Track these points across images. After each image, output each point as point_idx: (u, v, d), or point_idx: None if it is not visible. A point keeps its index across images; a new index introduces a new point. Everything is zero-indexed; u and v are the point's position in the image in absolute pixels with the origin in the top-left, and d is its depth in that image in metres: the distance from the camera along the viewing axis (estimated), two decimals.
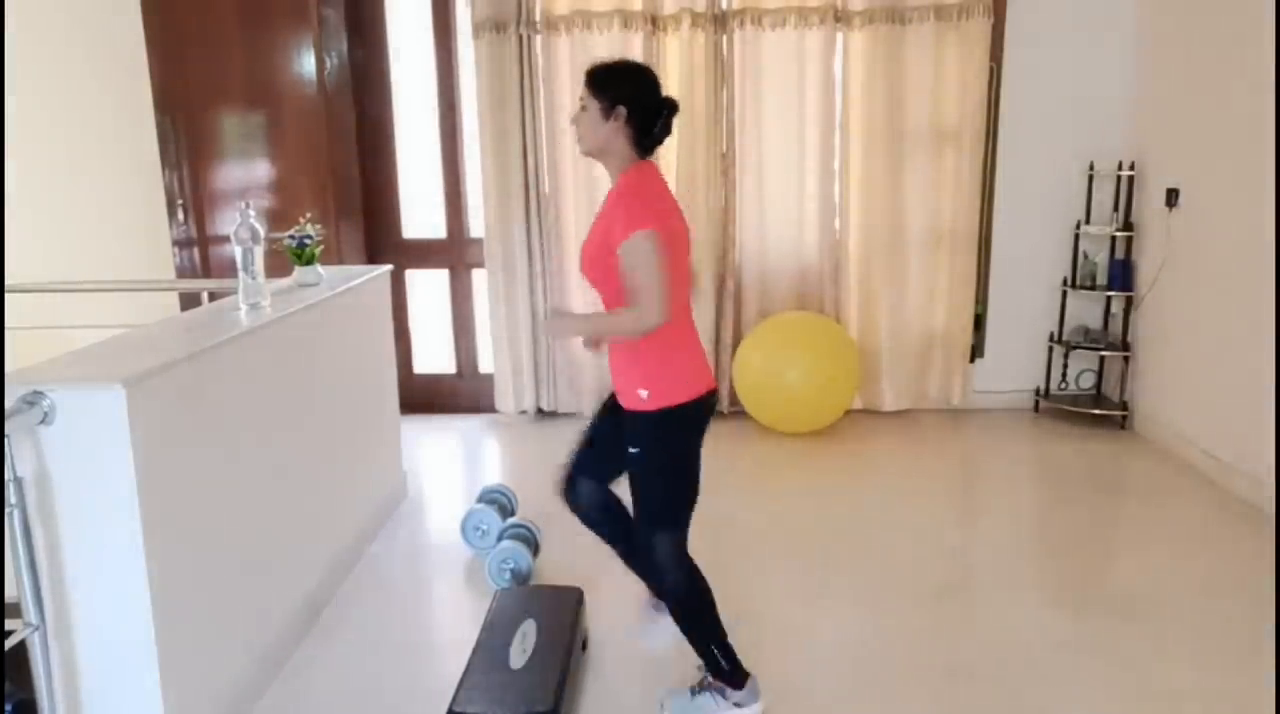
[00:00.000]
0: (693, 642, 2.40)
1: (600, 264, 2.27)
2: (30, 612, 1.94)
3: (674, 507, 2.34)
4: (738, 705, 2.40)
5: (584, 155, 2.34)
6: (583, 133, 2.29)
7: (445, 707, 2.22)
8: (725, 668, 2.39)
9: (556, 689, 2.26)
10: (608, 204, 2.30)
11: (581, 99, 2.28)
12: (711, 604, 2.39)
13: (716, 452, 4.42)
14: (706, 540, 3.45)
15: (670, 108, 2.29)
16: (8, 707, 2.13)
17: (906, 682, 2.60)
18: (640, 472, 2.32)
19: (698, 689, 2.43)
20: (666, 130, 2.31)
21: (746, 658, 2.45)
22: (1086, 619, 2.90)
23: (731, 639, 2.40)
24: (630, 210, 2.20)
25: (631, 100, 2.24)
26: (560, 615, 2.59)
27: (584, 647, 2.70)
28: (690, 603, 2.38)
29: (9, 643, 1.89)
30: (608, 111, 2.23)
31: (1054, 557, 3.40)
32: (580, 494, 2.52)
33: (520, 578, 3.07)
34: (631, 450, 2.31)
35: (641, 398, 2.26)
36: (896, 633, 2.86)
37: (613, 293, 2.28)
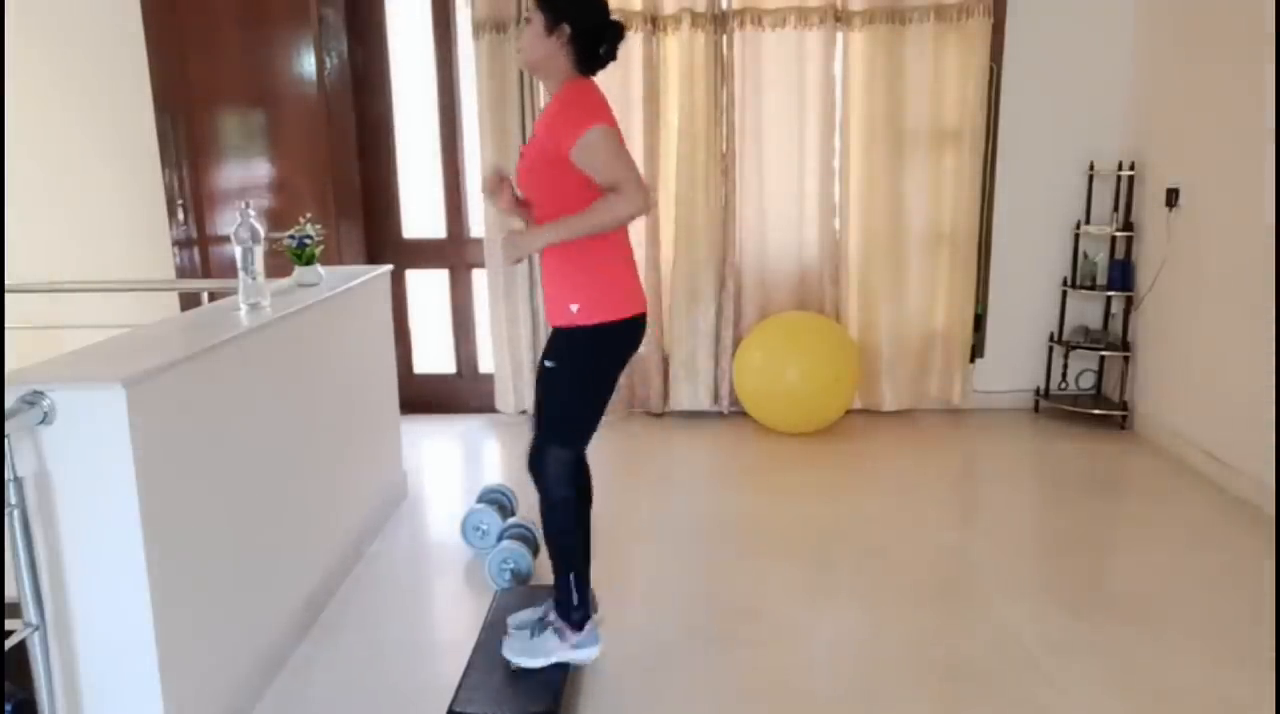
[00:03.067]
0: (554, 562, 2.41)
1: (542, 176, 2.24)
2: (30, 611, 1.94)
3: (577, 423, 2.36)
4: (575, 648, 2.41)
5: (522, 68, 2.27)
6: (523, 45, 2.29)
7: (445, 706, 2.22)
8: (574, 603, 2.40)
9: (556, 689, 2.26)
10: (547, 114, 2.28)
11: (527, 13, 2.25)
12: (586, 533, 2.40)
13: (717, 451, 4.49)
14: (707, 539, 3.49)
15: (616, 31, 2.28)
16: (8, 706, 2.13)
17: (906, 681, 2.60)
18: (552, 383, 2.33)
19: (537, 630, 2.44)
20: (611, 55, 2.31)
21: (746, 655, 2.47)
22: (1086, 618, 2.90)
23: (595, 586, 2.45)
24: (580, 111, 2.20)
25: (575, 20, 2.23)
26: None
27: None
28: (564, 523, 2.38)
29: (9, 643, 1.89)
30: (551, 28, 2.23)
31: (1054, 556, 3.40)
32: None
33: (520, 578, 3.07)
34: (547, 364, 2.33)
35: (571, 312, 2.27)
36: (896, 632, 2.86)
37: (553, 206, 2.25)
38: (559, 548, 2.41)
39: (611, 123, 2.22)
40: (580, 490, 2.40)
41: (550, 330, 2.38)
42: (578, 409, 2.36)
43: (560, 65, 2.27)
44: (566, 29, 2.23)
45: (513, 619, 2.54)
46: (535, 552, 3.22)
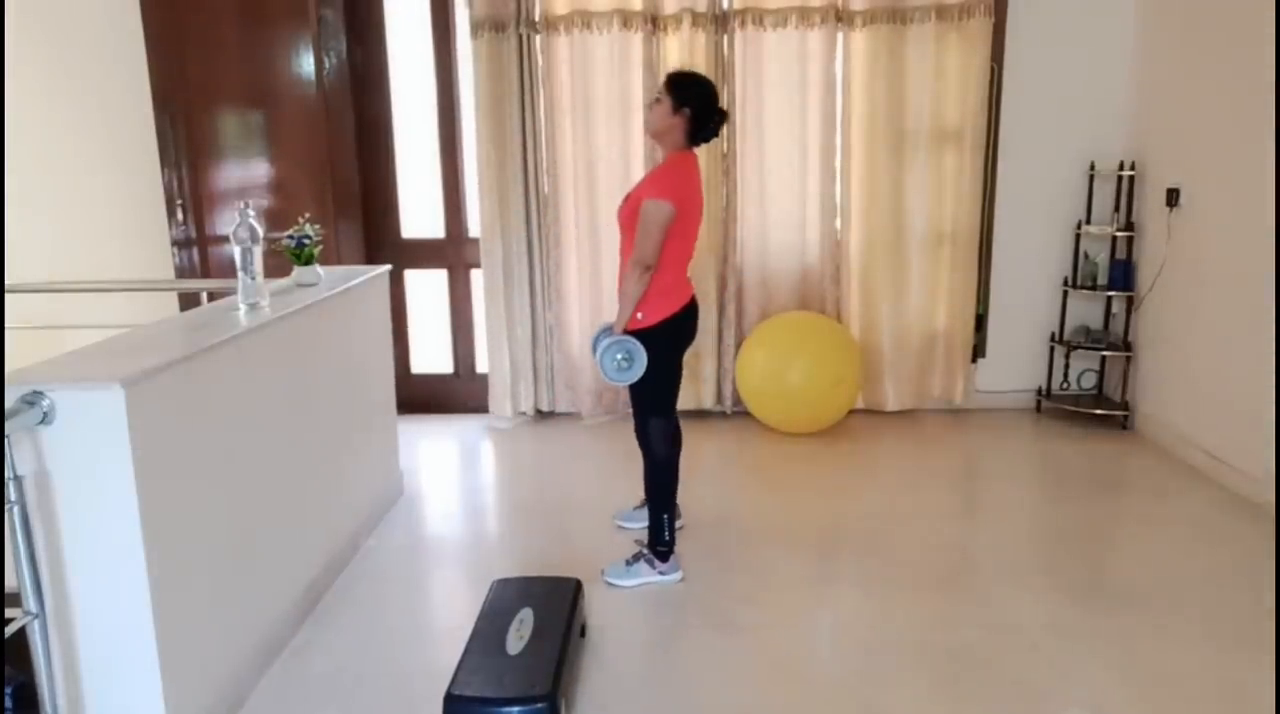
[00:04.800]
0: (652, 506, 3.15)
1: (633, 215, 2.97)
2: (30, 601, 1.96)
3: (665, 396, 3.12)
4: (662, 575, 3.11)
5: (647, 134, 3.25)
6: (652, 119, 3.04)
7: (443, 689, 2.23)
8: (665, 537, 3.11)
9: (554, 673, 2.26)
10: (652, 172, 3.11)
11: (658, 94, 3.02)
12: (676, 484, 3.16)
13: (720, 451, 4.49)
14: (709, 533, 3.49)
15: (722, 117, 3.04)
16: (8, 690, 2.15)
17: (906, 664, 2.62)
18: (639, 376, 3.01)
19: (632, 560, 3.14)
20: (715, 133, 3.05)
21: (745, 639, 2.62)
22: (1087, 607, 2.92)
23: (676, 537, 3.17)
24: (661, 182, 2.96)
25: (696, 106, 2.97)
26: (558, 604, 2.59)
27: (582, 633, 2.71)
28: (665, 475, 3.14)
29: (9, 630, 1.91)
30: (677, 108, 2.97)
31: (1055, 550, 3.40)
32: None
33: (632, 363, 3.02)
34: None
35: (638, 318, 3.00)
36: (897, 618, 2.88)
37: (633, 237, 2.97)
38: (659, 494, 3.13)
39: (681, 202, 2.92)
40: (676, 451, 3.13)
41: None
42: (663, 386, 3.09)
43: (677, 138, 3.01)
44: (687, 111, 2.97)
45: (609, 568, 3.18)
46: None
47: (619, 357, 3.00)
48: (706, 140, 3.04)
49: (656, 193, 2.90)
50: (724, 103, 4.64)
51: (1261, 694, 2.46)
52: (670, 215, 2.89)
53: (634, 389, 3.08)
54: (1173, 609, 2.91)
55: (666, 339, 3.04)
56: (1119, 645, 2.70)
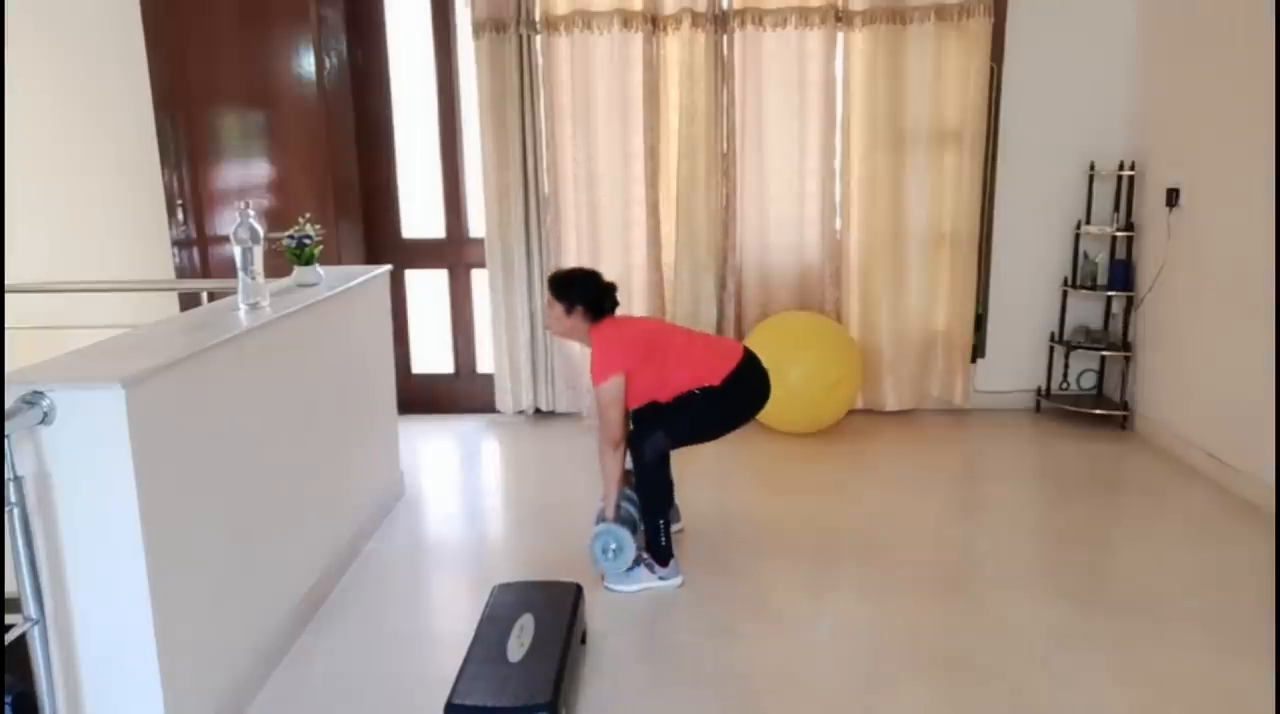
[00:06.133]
0: (643, 513, 3.14)
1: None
2: (30, 606, 1.95)
3: (683, 435, 3.17)
4: (662, 579, 3.11)
5: (560, 337, 3.29)
6: (551, 323, 3.21)
7: (443, 697, 2.22)
8: (661, 542, 3.11)
9: (555, 681, 2.26)
10: (591, 354, 3.10)
11: (548, 299, 3.16)
12: (670, 492, 3.18)
13: (719, 451, 4.47)
14: (708, 535, 3.48)
15: (611, 289, 3.17)
16: (8, 698, 2.14)
17: (907, 669, 2.61)
18: (688, 407, 3.13)
19: (632, 564, 3.11)
20: (616, 303, 3.18)
21: (746, 646, 2.60)
22: (1087, 613, 2.91)
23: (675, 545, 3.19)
24: (598, 364, 3.04)
25: (582, 298, 3.11)
26: (558, 609, 2.59)
27: (583, 640, 2.70)
28: (658, 476, 3.11)
29: (9, 637, 1.90)
30: (569, 311, 3.12)
31: (1055, 554, 3.40)
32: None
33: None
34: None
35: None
36: (898, 623, 2.87)
37: (633, 394, 3.10)
38: (652, 497, 3.12)
39: (628, 361, 3.04)
40: (669, 465, 3.15)
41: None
42: (695, 429, 3.20)
43: (584, 327, 3.14)
44: (580, 308, 3.11)
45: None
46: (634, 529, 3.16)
47: (611, 546, 3.09)
48: (610, 312, 3.16)
49: (598, 377, 3.03)
50: (724, 102, 4.67)
51: (1262, 701, 2.45)
52: (620, 387, 3.01)
53: (665, 408, 3.14)
54: (1173, 613, 2.90)
55: (726, 397, 3.13)
56: (1119, 651, 2.69)
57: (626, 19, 4.53)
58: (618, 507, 3.13)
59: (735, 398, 3.18)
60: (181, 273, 4.71)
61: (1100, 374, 4.97)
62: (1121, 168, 4.63)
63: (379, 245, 5.04)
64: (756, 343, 4.62)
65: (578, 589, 2.71)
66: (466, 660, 2.37)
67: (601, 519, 3.16)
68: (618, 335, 3.12)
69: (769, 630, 2.85)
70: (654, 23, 4.57)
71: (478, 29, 4.56)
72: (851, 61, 4.63)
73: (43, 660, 1.98)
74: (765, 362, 4.75)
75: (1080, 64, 4.67)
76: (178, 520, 2.18)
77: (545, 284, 4.80)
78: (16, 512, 1.89)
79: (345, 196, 4.81)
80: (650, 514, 3.12)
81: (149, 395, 2.05)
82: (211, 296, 3.78)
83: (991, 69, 4.63)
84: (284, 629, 2.75)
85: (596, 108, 4.62)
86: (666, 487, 3.15)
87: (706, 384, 3.11)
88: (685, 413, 3.13)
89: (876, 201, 4.71)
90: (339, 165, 4.74)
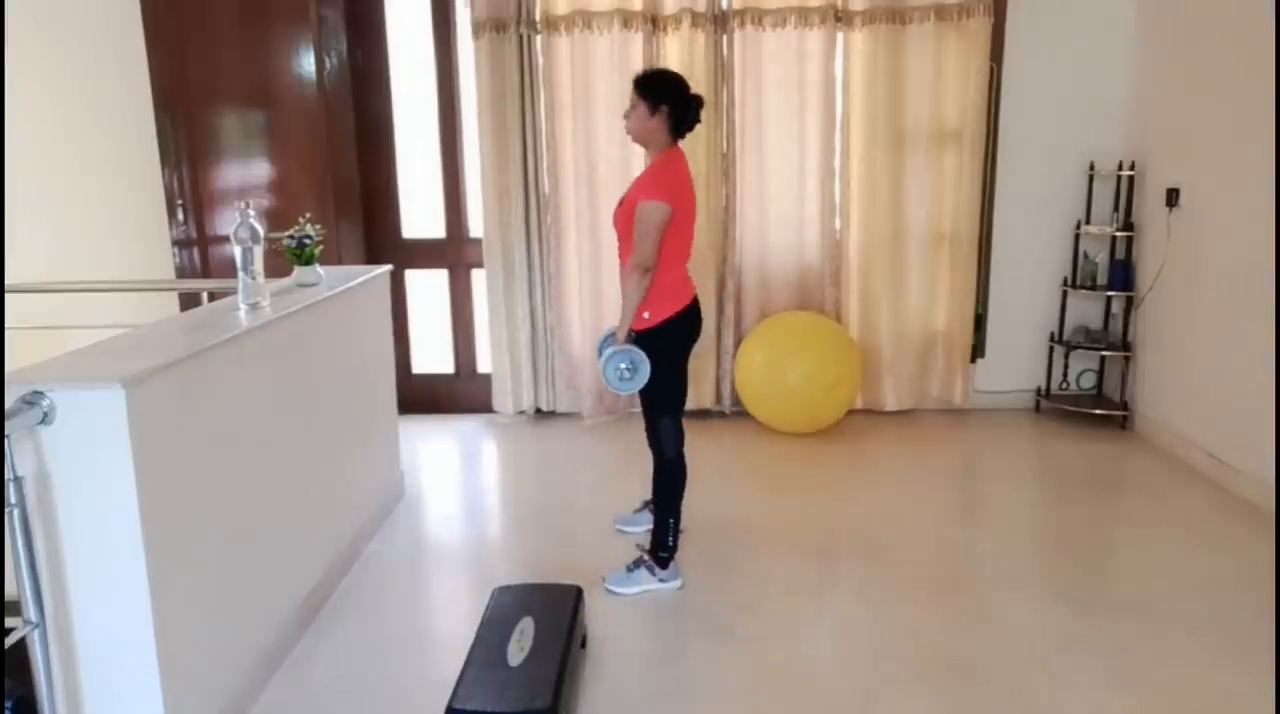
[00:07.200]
0: (658, 509, 3.13)
1: (628, 218, 2.98)
2: (30, 609, 1.94)
3: (674, 395, 3.12)
4: (662, 581, 3.11)
5: (633, 141, 3.07)
6: (631, 125, 3.03)
7: (444, 702, 2.22)
8: (668, 543, 3.11)
9: (555, 685, 2.25)
10: (643, 176, 3.06)
11: (631, 99, 3.01)
12: (683, 488, 3.15)
13: (719, 451, 4.49)
14: (708, 536, 3.48)
15: (699, 103, 3.02)
16: (8, 703, 2.13)
17: (907, 674, 2.61)
18: (650, 375, 3.02)
19: (633, 566, 3.13)
20: (697, 120, 3.04)
21: (746, 649, 2.60)
22: (1087, 616, 2.90)
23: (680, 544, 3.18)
24: (654, 182, 2.95)
25: (672, 102, 2.96)
26: (558, 613, 2.58)
27: (583, 644, 2.70)
28: (674, 477, 3.13)
29: (9, 640, 1.89)
30: (653, 110, 2.97)
31: (1055, 555, 3.40)
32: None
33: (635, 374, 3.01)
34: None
35: (645, 318, 3.01)
36: (898, 627, 2.87)
37: (630, 240, 2.97)
38: (667, 499, 3.12)
39: (676, 201, 2.92)
40: (683, 454, 3.13)
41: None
42: (671, 385, 3.10)
43: (661, 138, 3.00)
44: (665, 108, 2.96)
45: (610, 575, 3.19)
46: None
47: (622, 366, 3.00)
48: (690, 129, 3.04)
49: (651, 194, 2.91)
50: (723, 102, 4.67)
51: (1262, 703, 2.45)
52: (666, 215, 2.89)
53: (644, 390, 3.08)
54: (1172, 616, 2.90)
55: (673, 337, 3.06)
56: (1118, 653, 2.69)
57: (626, 19, 4.53)
58: (630, 334, 3.03)
59: (691, 324, 3.12)
60: (181, 273, 4.71)
61: (1100, 374, 4.97)
62: (1121, 168, 4.63)
63: (379, 245, 5.04)
64: (756, 343, 4.64)
65: (578, 592, 2.70)
66: (467, 664, 2.36)
67: (610, 343, 3.05)
68: (680, 178, 2.99)
69: (769, 632, 2.85)
70: (654, 23, 4.57)
71: (478, 29, 4.56)
72: (851, 61, 4.63)
73: (43, 664, 1.97)
74: (765, 362, 4.81)
75: (1080, 64, 4.67)
76: (178, 521, 2.17)
77: (545, 271, 4.86)
78: (16, 512, 1.88)
79: (345, 196, 4.81)
80: (664, 512, 3.11)
81: (149, 395, 2.05)
82: (211, 296, 3.78)
83: (991, 69, 4.63)
84: (285, 631, 2.75)
85: (597, 108, 4.61)
86: (684, 477, 3.15)
87: (677, 307, 3.02)
88: (660, 366, 3.01)
89: (876, 201, 4.71)
90: (339, 165, 4.74)
